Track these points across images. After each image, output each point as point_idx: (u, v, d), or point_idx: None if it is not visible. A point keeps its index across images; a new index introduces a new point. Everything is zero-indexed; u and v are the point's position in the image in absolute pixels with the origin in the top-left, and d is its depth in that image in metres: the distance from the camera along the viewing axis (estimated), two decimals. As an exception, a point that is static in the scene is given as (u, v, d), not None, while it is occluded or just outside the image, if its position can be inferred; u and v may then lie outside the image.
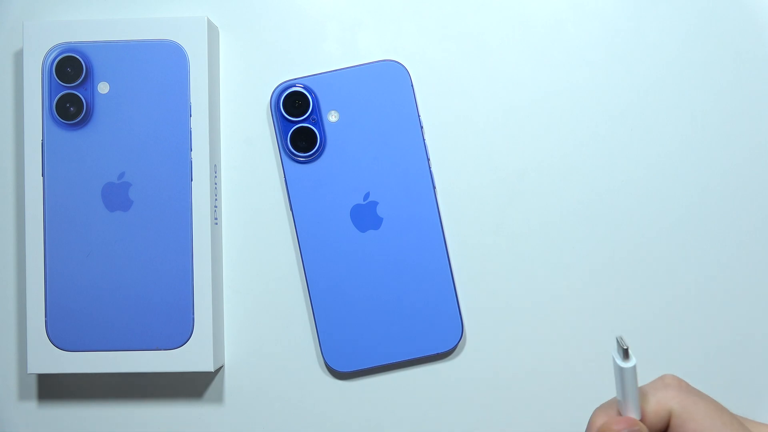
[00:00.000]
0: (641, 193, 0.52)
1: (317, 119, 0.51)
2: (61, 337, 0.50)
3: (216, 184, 0.52)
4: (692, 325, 0.52)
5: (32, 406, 0.53)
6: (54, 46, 0.50)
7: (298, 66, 0.52)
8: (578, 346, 0.52)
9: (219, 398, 0.52)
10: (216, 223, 0.51)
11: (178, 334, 0.50)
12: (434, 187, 0.51)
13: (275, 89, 0.51)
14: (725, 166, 0.52)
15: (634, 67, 0.52)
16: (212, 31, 0.52)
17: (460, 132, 0.52)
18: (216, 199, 0.51)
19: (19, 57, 0.53)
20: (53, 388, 0.53)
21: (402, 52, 0.52)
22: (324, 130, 0.51)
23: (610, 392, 0.52)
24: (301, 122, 0.51)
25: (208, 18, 0.51)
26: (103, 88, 0.51)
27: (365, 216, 0.51)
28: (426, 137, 0.51)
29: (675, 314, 0.52)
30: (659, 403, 0.40)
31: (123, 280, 0.50)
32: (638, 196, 0.52)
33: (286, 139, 0.51)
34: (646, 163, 0.52)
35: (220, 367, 0.52)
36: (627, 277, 0.52)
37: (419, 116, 0.51)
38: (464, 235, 0.52)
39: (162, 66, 0.50)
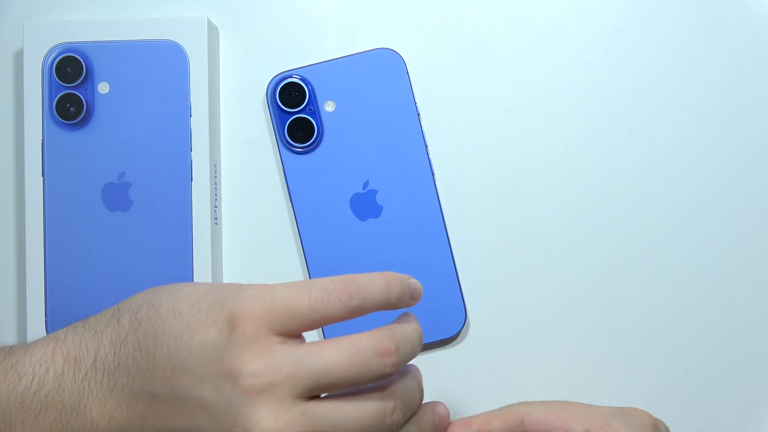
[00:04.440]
0: (641, 192, 0.52)
1: (314, 110, 0.51)
2: (61, 337, 0.50)
3: (216, 184, 0.52)
4: (693, 323, 0.52)
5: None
6: (54, 46, 0.50)
7: (298, 66, 0.52)
8: (576, 340, 0.52)
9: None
10: (216, 223, 0.51)
11: (178, 334, 0.50)
12: (433, 174, 0.51)
13: (271, 81, 0.51)
14: (725, 166, 0.52)
15: (634, 67, 0.52)
16: (212, 31, 0.52)
17: (461, 132, 0.52)
18: (216, 199, 0.51)
19: (19, 57, 0.53)
20: (53, 388, 0.53)
21: (402, 52, 0.52)
22: (321, 120, 0.51)
23: (608, 380, 0.52)
24: (297, 113, 0.51)
25: (208, 18, 0.51)
26: (103, 88, 0.51)
27: (365, 205, 0.51)
28: (423, 126, 0.51)
29: (675, 313, 0.52)
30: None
31: (123, 280, 0.50)
32: (638, 196, 0.52)
33: (284, 131, 0.51)
34: (645, 162, 0.52)
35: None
36: (626, 275, 0.52)
37: (415, 103, 0.51)
38: (464, 234, 0.52)
39: (162, 66, 0.50)
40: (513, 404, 0.46)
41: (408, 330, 0.39)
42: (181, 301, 0.39)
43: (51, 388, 0.39)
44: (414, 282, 0.41)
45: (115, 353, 0.39)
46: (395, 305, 0.39)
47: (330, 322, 0.38)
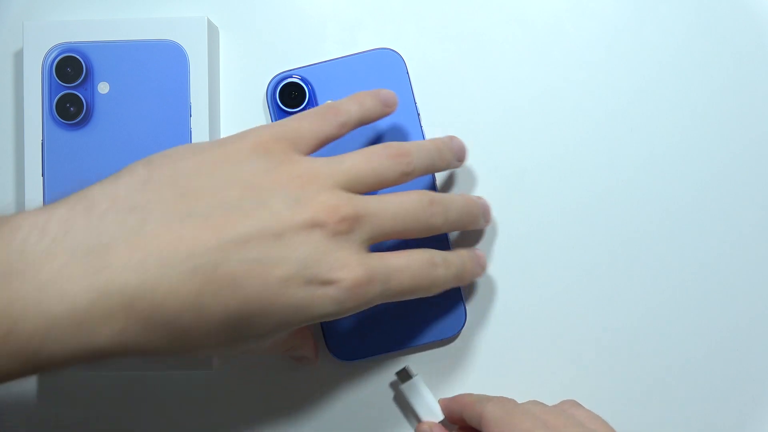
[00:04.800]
0: (641, 192, 0.52)
1: None
2: (61, 337, 0.50)
3: (216, 184, 0.51)
4: (693, 323, 0.52)
5: (32, 406, 0.53)
6: (54, 46, 0.50)
7: (298, 66, 0.52)
8: (576, 339, 0.52)
9: (219, 397, 0.52)
10: (216, 223, 0.51)
11: (178, 334, 0.50)
12: (433, 174, 0.51)
13: (271, 80, 0.51)
14: (725, 166, 0.52)
15: (634, 67, 0.52)
16: (212, 31, 0.52)
17: (461, 132, 0.52)
18: (216, 199, 0.51)
19: (19, 57, 0.53)
20: (53, 388, 0.53)
21: (402, 52, 0.52)
22: None
23: (607, 380, 0.52)
24: (297, 113, 0.51)
25: (208, 18, 0.51)
26: (103, 88, 0.51)
27: None
28: (423, 126, 0.51)
29: (675, 313, 0.52)
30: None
31: (123, 280, 0.50)
32: (638, 196, 0.52)
33: None
34: (646, 162, 0.52)
35: (220, 365, 0.52)
36: (626, 275, 0.52)
37: (415, 103, 0.51)
38: (463, 234, 0.52)
39: (162, 66, 0.50)
40: (484, 398, 0.47)
41: (425, 144, 0.45)
42: (198, 145, 0.41)
43: (56, 234, 0.35)
44: (384, 92, 0.46)
45: (140, 192, 0.37)
46: (372, 115, 0.45)
47: (329, 140, 0.43)
